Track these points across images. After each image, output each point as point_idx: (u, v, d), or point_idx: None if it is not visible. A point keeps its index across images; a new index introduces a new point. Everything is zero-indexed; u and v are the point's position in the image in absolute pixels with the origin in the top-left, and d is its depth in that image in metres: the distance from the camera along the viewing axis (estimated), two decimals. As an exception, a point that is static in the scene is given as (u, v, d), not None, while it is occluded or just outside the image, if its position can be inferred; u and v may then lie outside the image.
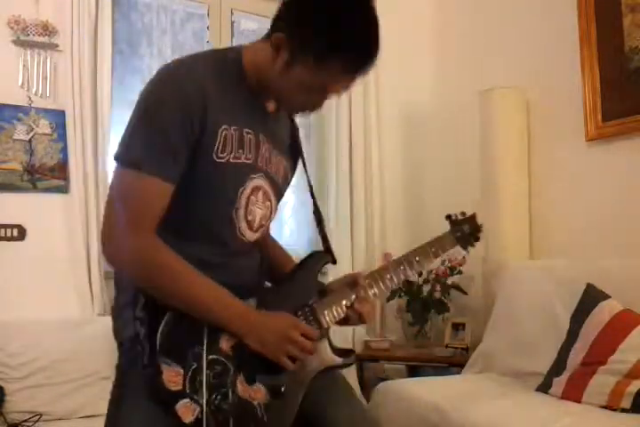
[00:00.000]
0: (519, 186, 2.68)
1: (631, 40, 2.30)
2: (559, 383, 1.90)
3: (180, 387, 0.98)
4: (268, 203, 1.20)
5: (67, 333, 2.22)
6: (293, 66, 1.05)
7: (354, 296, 1.24)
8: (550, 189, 2.65)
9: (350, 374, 2.37)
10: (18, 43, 2.39)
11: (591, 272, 2.10)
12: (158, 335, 1.00)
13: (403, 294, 2.87)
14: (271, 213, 1.23)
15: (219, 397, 1.01)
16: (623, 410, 1.68)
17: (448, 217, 1.70)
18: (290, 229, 3.19)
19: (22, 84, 2.40)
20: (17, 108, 2.38)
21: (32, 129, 2.40)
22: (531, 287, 2.33)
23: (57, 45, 2.44)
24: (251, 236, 1.17)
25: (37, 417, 1.99)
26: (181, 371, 0.99)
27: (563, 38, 2.57)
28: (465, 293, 2.81)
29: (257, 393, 1.05)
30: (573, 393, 1.82)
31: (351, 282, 1.26)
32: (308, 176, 1.34)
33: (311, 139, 3.23)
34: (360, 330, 2.91)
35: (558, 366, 1.96)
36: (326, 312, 1.20)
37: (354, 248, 2.97)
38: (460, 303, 2.88)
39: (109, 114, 2.53)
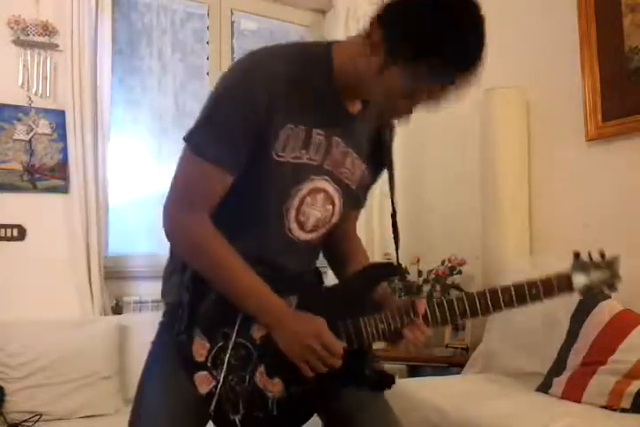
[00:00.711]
0: (519, 186, 2.68)
1: (631, 40, 2.30)
2: (559, 383, 1.90)
3: (202, 359, 1.03)
4: (330, 207, 1.17)
5: (67, 333, 2.22)
6: (386, 68, 1.01)
7: (405, 320, 1.14)
8: (550, 188, 2.65)
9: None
10: (18, 43, 2.39)
11: (591, 272, 2.10)
12: (200, 307, 1.05)
13: (403, 294, 2.87)
14: (332, 216, 1.19)
15: (235, 379, 1.04)
16: (623, 410, 1.68)
17: (576, 256, 1.30)
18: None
19: (22, 84, 2.40)
20: (17, 108, 2.38)
21: (32, 129, 2.40)
22: (531, 287, 2.33)
23: (57, 45, 2.44)
24: (302, 235, 1.16)
25: (37, 417, 1.99)
26: (208, 345, 1.04)
27: (563, 38, 2.57)
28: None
29: (274, 387, 1.06)
30: (573, 393, 1.82)
31: (409, 305, 1.15)
32: (392, 195, 1.27)
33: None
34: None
35: (558, 366, 1.96)
36: (370, 329, 1.14)
37: (354, 248, 2.97)
38: (460, 303, 2.88)
39: (109, 114, 2.53)
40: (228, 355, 1.04)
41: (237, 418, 1.03)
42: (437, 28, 0.96)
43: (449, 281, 2.80)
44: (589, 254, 1.30)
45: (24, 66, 2.40)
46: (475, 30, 1.00)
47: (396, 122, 1.25)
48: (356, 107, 1.14)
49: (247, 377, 1.05)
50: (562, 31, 2.57)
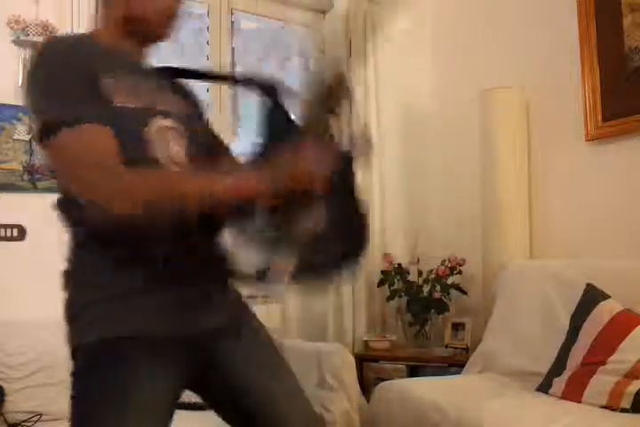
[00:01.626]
0: (519, 186, 2.68)
1: (631, 40, 2.30)
2: (559, 383, 1.90)
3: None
4: (182, 141, 1.16)
5: (67, 333, 2.22)
6: None
7: None
8: (550, 189, 2.66)
9: (350, 374, 2.36)
10: (18, 43, 2.39)
11: (591, 272, 2.11)
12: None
13: (403, 294, 2.87)
14: (190, 149, 1.17)
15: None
16: (623, 410, 1.68)
17: None
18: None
19: (22, 84, 2.40)
20: (17, 108, 2.38)
21: (32, 129, 2.40)
22: (531, 287, 2.33)
23: (57, 45, 2.44)
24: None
25: (37, 417, 1.99)
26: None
27: (563, 38, 2.57)
28: (465, 293, 2.82)
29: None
30: (573, 393, 1.82)
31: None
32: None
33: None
34: (360, 330, 2.92)
35: (558, 366, 1.96)
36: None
37: (354, 248, 2.97)
38: (460, 303, 2.88)
39: (109, 114, 2.53)
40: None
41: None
42: None
43: (449, 281, 2.80)
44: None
45: (24, 66, 2.39)
46: None
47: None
48: (136, 53, 1.20)
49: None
50: (562, 31, 2.57)
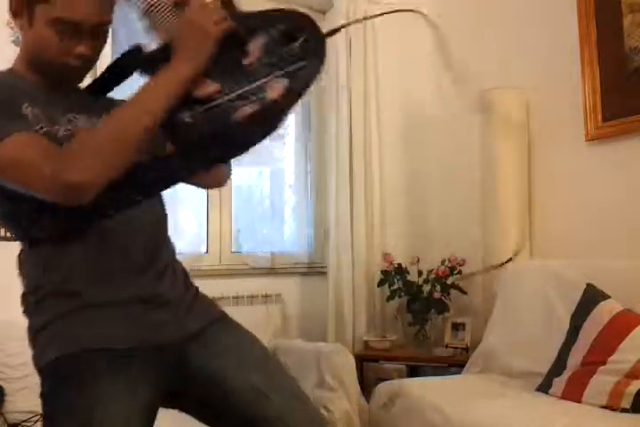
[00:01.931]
0: (519, 186, 2.68)
1: (631, 40, 2.30)
2: (559, 383, 1.90)
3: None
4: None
5: (67, 333, 2.22)
6: (30, 21, 1.12)
7: None
8: (550, 188, 2.65)
9: (350, 374, 2.37)
10: (18, 43, 2.38)
11: (591, 272, 2.10)
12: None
13: (403, 294, 2.87)
14: None
15: None
16: (623, 410, 1.68)
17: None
18: (290, 229, 3.19)
19: None
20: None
21: None
22: (531, 287, 2.33)
23: (57, 45, 2.44)
24: None
25: (37, 417, 1.99)
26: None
27: (563, 38, 2.57)
28: (465, 293, 2.82)
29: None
30: (573, 393, 1.82)
31: None
32: None
33: (311, 139, 3.24)
34: (360, 330, 2.92)
35: (558, 366, 1.96)
36: None
37: (354, 248, 2.97)
38: (460, 303, 2.88)
39: (109, 114, 2.53)
40: None
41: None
42: None
43: (449, 281, 2.80)
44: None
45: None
46: None
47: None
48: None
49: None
50: (562, 31, 2.57)
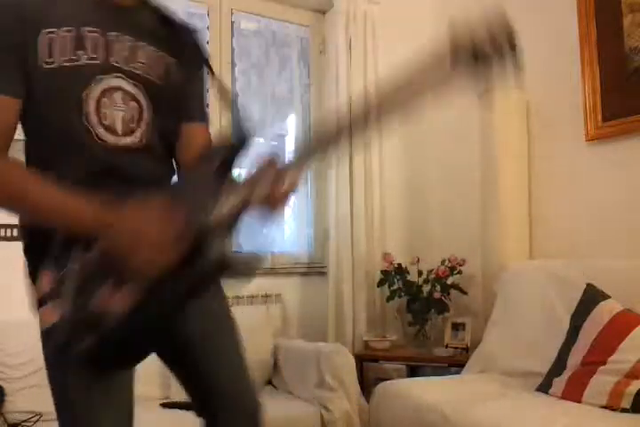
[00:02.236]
0: (519, 186, 2.68)
1: (631, 40, 2.30)
2: (559, 383, 1.90)
3: (48, 290, 0.97)
4: (134, 103, 1.09)
5: (67, 333, 2.22)
6: None
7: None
8: (550, 189, 2.66)
9: (350, 374, 2.37)
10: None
11: (591, 272, 2.10)
12: (53, 245, 1.00)
13: (403, 294, 2.87)
14: (142, 112, 1.10)
15: (80, 301, 0.95)
16: (623, 410, 1.68)
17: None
18: (290, 228, 3.19)
19: None
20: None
21: None
22: (531, 287, 2.33)
23: (57, 45, 2.44)
24: (117, 140, 1.07)
25: (37, 417, 1.99)
26: (54, 274, 0.98)
27: (563, 38, 2.57)
28: (465, 293, 2.82)
29: (118, 302, 0.94)
30: (573, 393, 1.82)
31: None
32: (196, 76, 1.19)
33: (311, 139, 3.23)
34: (360, 330, 2.92)
35: (558, 366, 1.96)
36: (222, 206, 0.99)
37: (354, 248, 2.98)
38: (460, 303, 2.88)
39: (109, 114, 2.53)
40: (72, 278, 0.95)
41: (84, 345, 0.93)
42: None
43: (449, 281, 2.80)
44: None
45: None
46: None
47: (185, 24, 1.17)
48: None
49: (91, 298, 0.94)
50: (562, 31, 2.57)
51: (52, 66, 1.01)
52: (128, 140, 1.09)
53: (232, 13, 3.06)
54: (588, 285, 2.03)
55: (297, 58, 3.21)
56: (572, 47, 2.49)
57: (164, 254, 0.93)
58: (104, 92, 1.06)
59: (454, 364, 2.56)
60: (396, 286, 2.88)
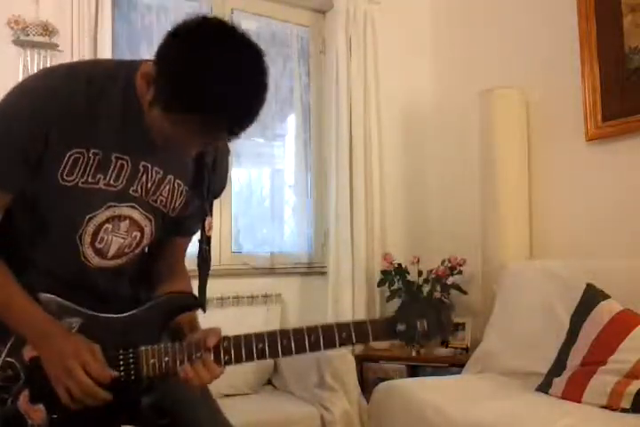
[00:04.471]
0: (519, 186, 2.68)
1: (631, 40, 2.30)
2: (559, 383, 1.89)
3: None
4: (137, 233, 1.10)
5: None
6: (151, 107, 0.96)
7: (194, 354, 1.03)
8: (550, 188, 2.65)
9: (350, 374, 2.37)
10: (18, 43, 2.39)
11: (591, 272, 2.10)
12: None
13: (403, 294, 2.87)
14: (140, 242, 1.12)
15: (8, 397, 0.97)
16: (623, 410, 1.68)
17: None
18: (290, 228, 3.19)
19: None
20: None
21: None
22: (531, 287, 2.33)
23: (57, 45, 2.44)
24: (100, 262, 1.09)
25: (37, 417, 1.99)
26: None
27: (563, 38, 2.57)
28: (465, 293, 2.81)
29: (36, 413, 0.98)
30: (573, 393, 1.82)
31: (201, 339, 1.04)
32: (205, 205, 1.16)
33: (311, 139, 3.24)
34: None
35: (558, 366, 1.96)
36: (152, 361, 1.02)
37: (354, 248, 2.97)
38: (460, 303, 2.88)
39: (109, 114, 2.53)
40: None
41: None
42: (191, 83, 0.88)
43: (449, 281, 2.80)
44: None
45: (24, 66, 2.39)
46: (233, 80, 0.93)
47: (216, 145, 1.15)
48: None
49: (9, 400, 0.97)
50: (562, 31, 2.57)
51: (68, 184, 1.01)
52: (111, 263, 1.11)
53: (232, 13, 3.06)
54: (588, 285, 2.03)
55: (297, 58, 3.20)
56: (572, 47, 2.49)
57: (88, 397, 0.96)
58: (110, 219, 1.07)
59: (454, 364, 2.56)
60: (396, 286, 2.88)
